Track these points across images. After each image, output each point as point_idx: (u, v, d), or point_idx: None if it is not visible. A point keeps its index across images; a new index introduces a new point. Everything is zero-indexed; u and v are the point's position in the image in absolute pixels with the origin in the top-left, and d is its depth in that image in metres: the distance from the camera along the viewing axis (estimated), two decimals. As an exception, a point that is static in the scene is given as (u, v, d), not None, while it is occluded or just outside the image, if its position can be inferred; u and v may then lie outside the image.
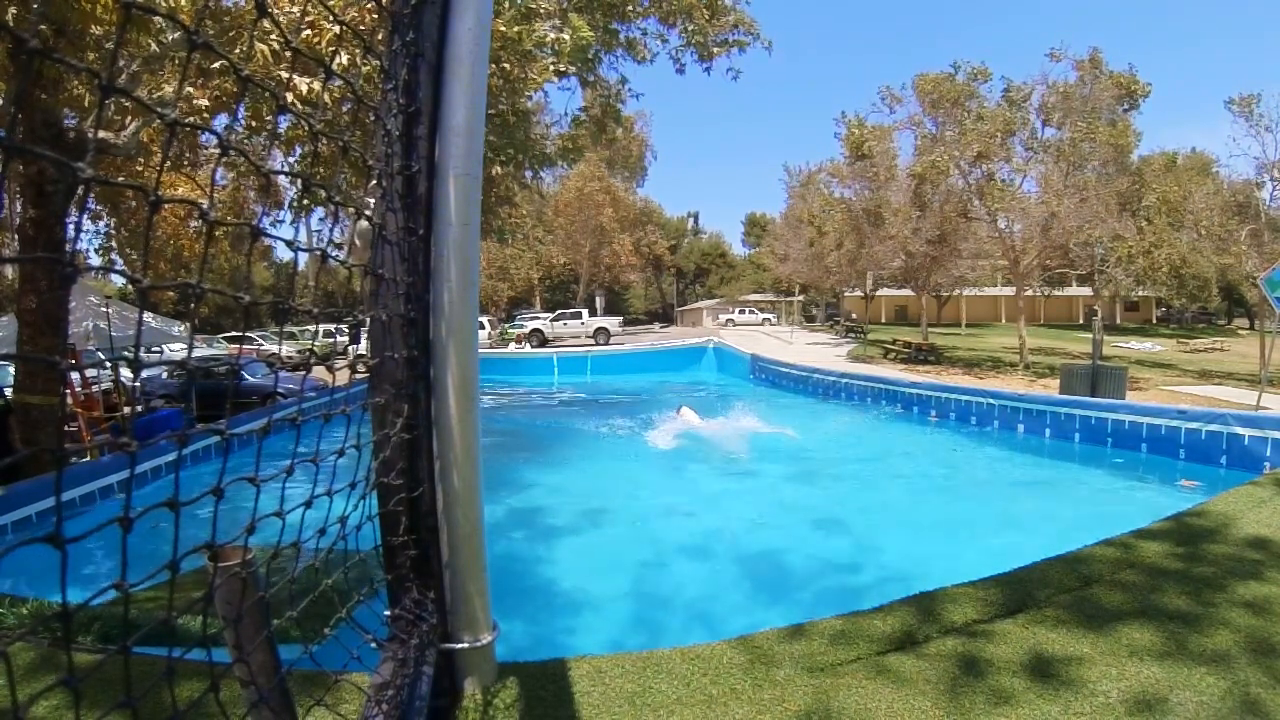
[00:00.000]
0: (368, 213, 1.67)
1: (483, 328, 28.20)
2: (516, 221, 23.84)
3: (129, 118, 7.74)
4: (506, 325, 35.54)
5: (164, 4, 4.98)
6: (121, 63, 6.49)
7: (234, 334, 28.01)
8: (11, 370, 8.40)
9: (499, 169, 9.88)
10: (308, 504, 1.18)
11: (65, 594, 0.58)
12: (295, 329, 23.95)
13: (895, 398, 12.81)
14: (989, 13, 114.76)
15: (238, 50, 6.00)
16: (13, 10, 5.46)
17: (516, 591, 4.96)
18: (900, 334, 27.72)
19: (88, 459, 7.33)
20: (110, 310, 9.82)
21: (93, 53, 6.31)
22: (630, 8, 10.31)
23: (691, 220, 67.73)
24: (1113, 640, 2.63)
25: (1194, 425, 7.68)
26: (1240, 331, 41.61)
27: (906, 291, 30.97)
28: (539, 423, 14.05)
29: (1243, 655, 2.49)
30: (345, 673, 1.54)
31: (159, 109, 0.67)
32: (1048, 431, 9.53)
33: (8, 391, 7.67)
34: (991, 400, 10.65)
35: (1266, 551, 3.52)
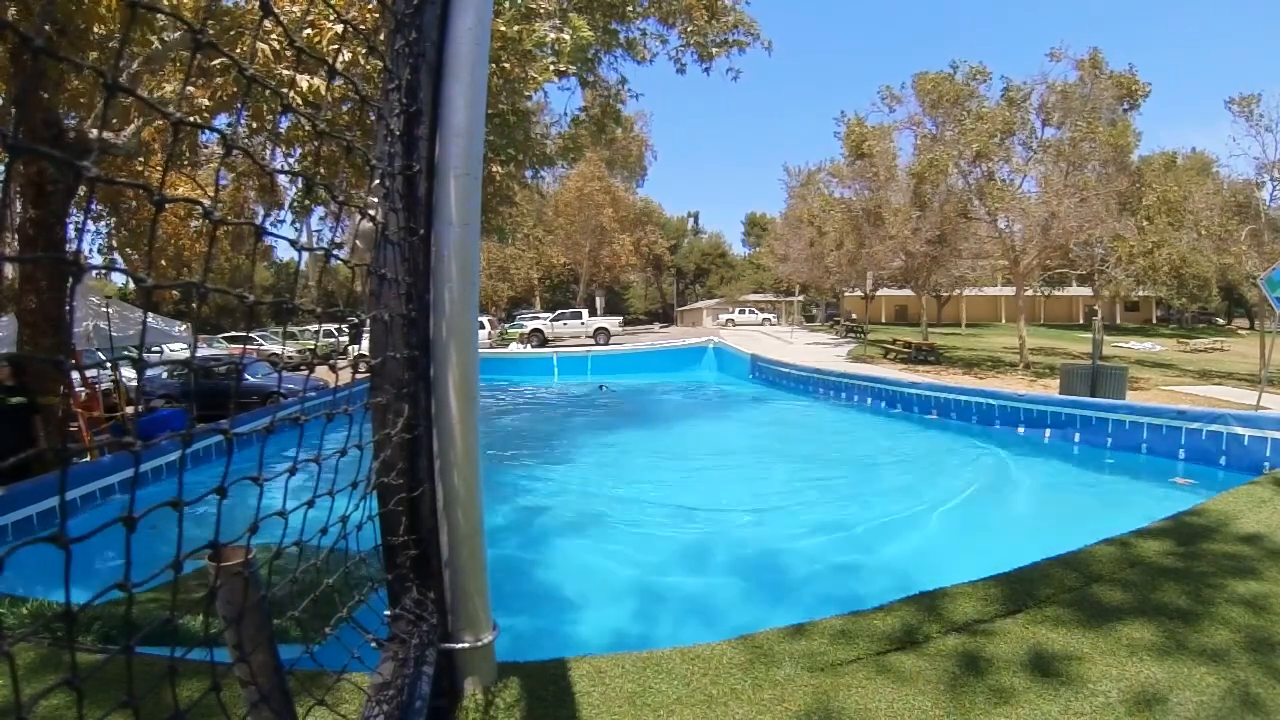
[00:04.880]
0: (371, 212, 1.67)
1: (483, 328, 28.19)
2: (516, 221, 23.85)
3: (131, 117, 7.74)
4: (506, 325, 35.50)
5: (167, 3, 4.98)
6: (122, 63, 6.49)
7: (234, 334, 28.00)
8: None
9: (499, 169, 9.88)
10: (309, 504, 1.18)
11: (69, 594, 0.59)
12: (295, 329, 23.96)
13: (895, 398, 12.80)
14: (989, 13, 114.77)
15: (239, 50, 6.01)
16: (13, 10, 5.46)
17: (516, 591, 4.96)
18: (900, 334, 27.70)
19: (88, 459, 7.33)
20: (110, 310, 9.82)
21: (95, 52, 6.31)
22: (630, 8, 10.31)
23: (691, 220, 67.80)
24: (1113, 639, 2.64)
25: (1194, 425, 7.67)
26: (1240, 331, 41.61)
27: (906, 291, 30.98)
28: (535, 422, 14.05)
29: (1242, 654, 2.49)
30: (345, 672, 1.55)
31: (163, 108, 0.67)
32: (1048, 432, 9.53)
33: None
34: (991, 400, 10.65)
35: (1266, 551, 3.52)
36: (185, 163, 12.63)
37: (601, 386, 16.60)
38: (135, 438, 0.71)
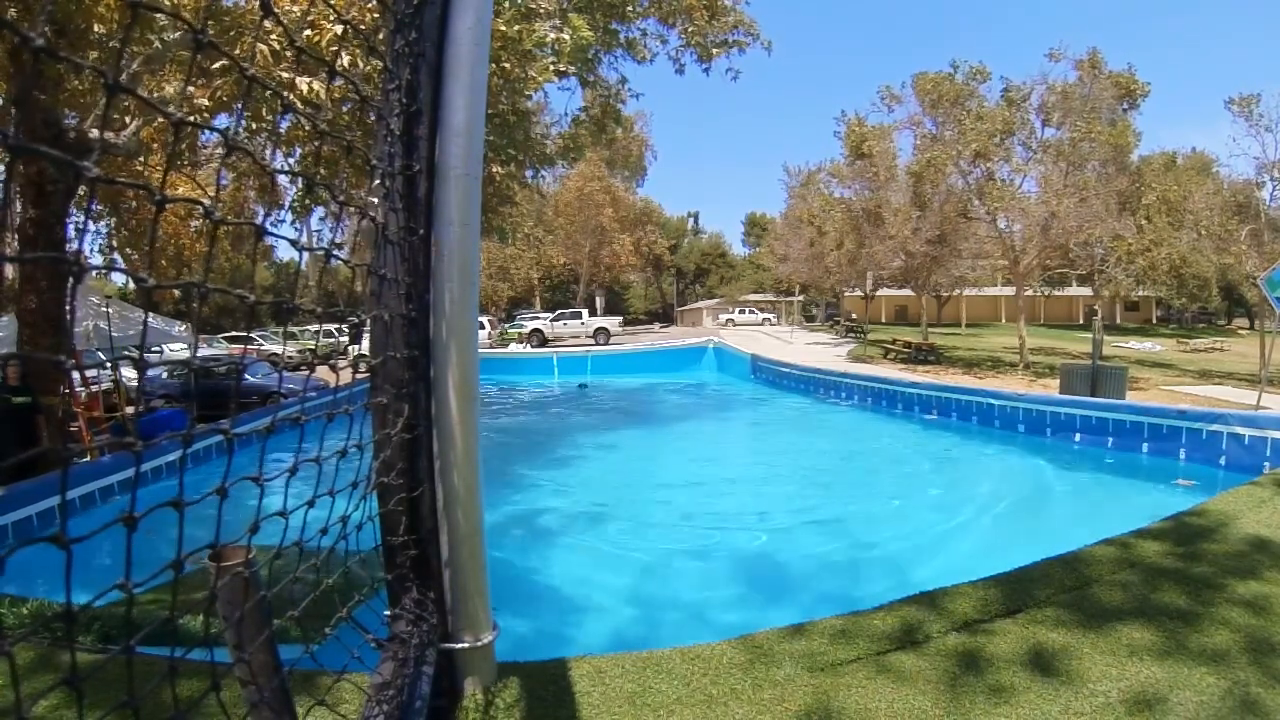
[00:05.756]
0: (371, 213, 1.67)
1: (483, 328, 28.18)
2: (516, 221, 23.83)
3: (130, 117, 7.74)
4: (506, 326, 35.49)
5: (168, 2, 4.98)
6: (122, 62, 6.49)
7: (235, 334, 27.99)
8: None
9: (499, 169, 9.87)
10: (309, 504, 1.18)
11: (69, 594, 0.59)
12: (295, 329, 23.97)
13: (895, 398, 12.81)
14: (989, 13, 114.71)
15: (239, 50, 6.01)
16: (13, 10, 5.46)
17: (517, 591, 4.96)
18: (900, 334, 27.69)
19: (87, 459, 7.33)
20: (110, 310, 9.82)
21: (95, 51, 6.31)
22: (630, 8, 10.30)
23: (691, 220, 67.78)
24: (1112, 639, 2.64)
25: (1194, 425, 7.67)
26: (1240, 331, 41.60)
27: (906, 291, 30.95)
28: (535, 422, 14.05)
29: (1242, 655, 2.49)
30: (345, 672, 1.54)
31: (163, 108, 0.67)
32: (1048, 431, 9.53)
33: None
34: (992, 400, 10.65)
35: (1266, 551, 3.52)
36: (185, 163, 12.62)
37: (583, 385, 17.05)
38: (135, 438, 0.72)
